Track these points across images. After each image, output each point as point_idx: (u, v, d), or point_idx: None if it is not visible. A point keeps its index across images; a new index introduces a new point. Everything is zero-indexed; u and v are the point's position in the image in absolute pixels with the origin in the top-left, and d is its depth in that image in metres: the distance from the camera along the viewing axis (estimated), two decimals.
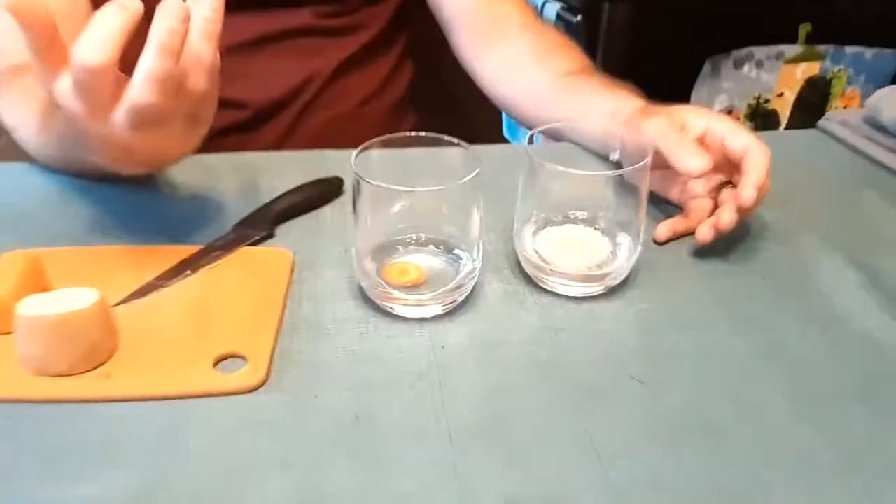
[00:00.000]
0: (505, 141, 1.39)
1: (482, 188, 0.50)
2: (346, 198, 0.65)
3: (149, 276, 0.53)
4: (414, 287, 0.51)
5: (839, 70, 1.78)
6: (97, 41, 0.43)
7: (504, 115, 1.31)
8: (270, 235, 0.59)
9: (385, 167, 0.52)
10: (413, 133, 0.53)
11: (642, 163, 0.50)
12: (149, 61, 0.44)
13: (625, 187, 0.53)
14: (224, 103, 0.53)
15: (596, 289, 0.53)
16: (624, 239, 0.55)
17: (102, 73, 0.43)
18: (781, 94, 1.87)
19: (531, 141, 0.54)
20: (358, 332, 0.50)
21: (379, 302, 0.51)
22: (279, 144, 0.83)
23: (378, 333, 0.50)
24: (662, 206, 0.64)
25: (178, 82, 0.46)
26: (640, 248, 0.53)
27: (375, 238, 0.53)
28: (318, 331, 0.50)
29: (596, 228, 0.56)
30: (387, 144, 0.53)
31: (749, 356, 0.49)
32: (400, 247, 0.54)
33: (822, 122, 0.82)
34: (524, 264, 0.55)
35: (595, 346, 0.49)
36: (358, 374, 0.47)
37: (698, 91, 1.76)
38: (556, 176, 0.50)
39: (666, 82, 0.89)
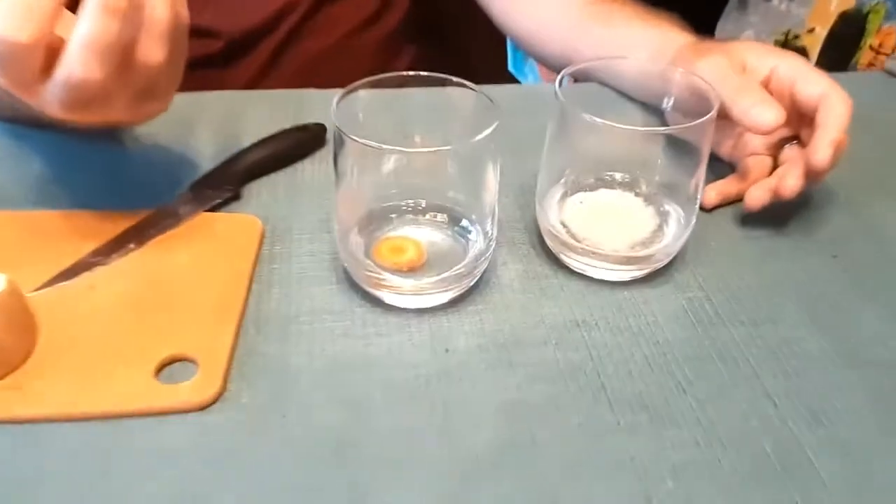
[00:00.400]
0: (510, 77, 1.26)
1: (498, 143, 0.39)
2: (330, 150, 0.53)
3: (82, 251, 0.43)
4: (411, 270, 0.41)
5: (877, 3, 1.63)
6: (24, 10, 0.33)
7: (510, 48, 1.17)
8: (236, 197, 0.49)
9: (376, 114, 0.41)
10: (410, 72, 0.42)
11: (707, 116, 0.39)
12: (86, 25, 0.33)
13: (676, 144, 0.42)
14: (191, 32, 0.43)
15: (637, 272, 0.43)
16: (673, 209, 0.44)
17: (28, 50, 0.33)
18: (812, 30, 1.73)
19: (560, 84, 0.42)
20: (341, 328, 0.40)
21: (367, 288, 0.41)
22: (255, 82, 0.71)
23: (366, 329, 0.40)
24: (710, 162, 0.53)
25: (125, 52, 0.35)
26: (693, 221, 0.42)
27: (362, 205, 0.42)
28: (291, 326, 0.40)
29: (637, 194, 0.45)
30: (378, 86, 0.41)
31: (828, 361, 0.39)
32: (394, 216, 0.43)
33: (889, 63, 0.70)
34: (548, 239, 0.44)
35: (637, 346, 0.39)
36: (339, 384, 0.37)
37: (723, 25, 1.62)
38: (593, 129, 0.39)
39: (689, 15, 0.78)
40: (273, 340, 0.39)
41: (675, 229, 0.43)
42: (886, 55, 1.20)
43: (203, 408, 0.35)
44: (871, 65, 1.20)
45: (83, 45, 0.34)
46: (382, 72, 0.77)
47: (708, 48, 0.51)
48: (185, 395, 0.35)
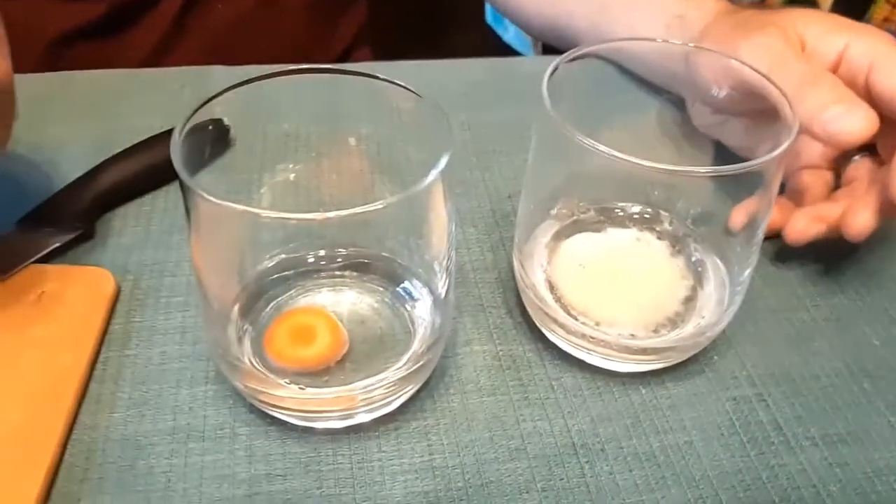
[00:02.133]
0: (488, 30, 1.10)
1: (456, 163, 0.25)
2: (234, 157, 0.39)
3: None
4: (323, 368, 0.27)
5: None
6: None
7: None
8: (86, 236, 0.34)
9: (300, 102, 0.29)
10: (328, 66, 0.28)
11: (780, 149, 0.24)
12: None
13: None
14: None
15: (661, 364, 0.29)
16: (711, 262, 0.30)
17: None
18: None
19: (553, 74, 0.28)
20: (214, 464, 0.26)
21: (255, 403, 0.27)
22: (155, 57, 0.55)
23: (253, 467, 0.26)
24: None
25: None
26: (745, 283, 0.29)
27: (243, 265, 0.28)
28: (138, 461, 0.26)
29: (660, 237, 0.31)
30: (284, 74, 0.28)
31: None
32: (297, 278, 0.29)
33: None
34: (532, 311, 0.30)
35: (665, 485, 0.26)
36: None
37: None
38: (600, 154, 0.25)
39: None
40: (107, 490, 0.25)
41: (717, 296, 0.29)
42: None
43: None
44: (886, 20, 1.06)
45: None
46: (321, 38, 0.62)
47: (752, 20, 0.36)
48: None
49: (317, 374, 0.27)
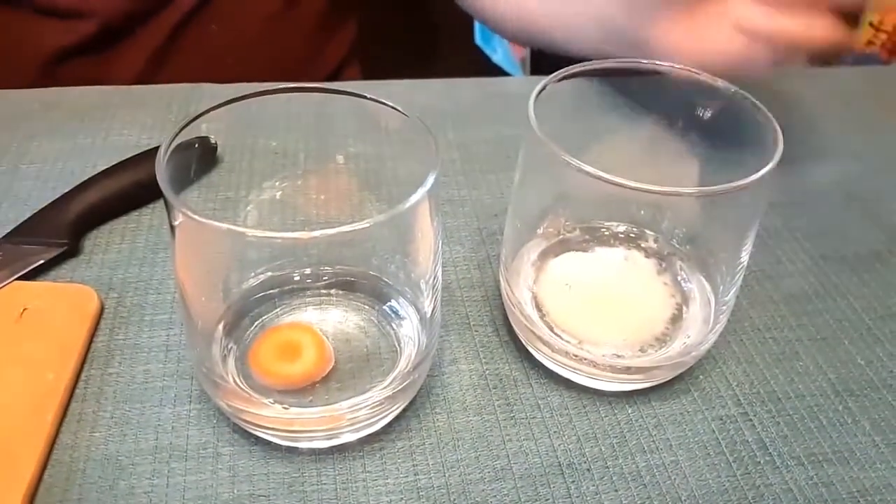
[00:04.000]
0: (477, 51, 1.11)
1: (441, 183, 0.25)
2: (221, 175, 0.39)
3: None
4: (308, 386, 0.27)
5: None
6: None
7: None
8: (71, 253, 0.34)
9: (289, 120, 0.29)
10: (315, 84, 0.28)
11: (763, 171, 0.25)
12: None
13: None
14: (51, 12, 0.29)
15: (647, 383, 0.29)
16: (696, 281, 0.30)
17: None
18: None
19: (539, 94, 0.28)
20: (195, 485, 0.26)
21: (239, 422, 0.27)
22: (148, 75, 0.55)
23: (236, 488, 0.26)
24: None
25: None
26: (730, 303, 0.29)
27: (232, 285, 0.28)
28: (119, 482, 0.25)
29: (647, 255, 0.32)
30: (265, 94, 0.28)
31: None
32: (283, 296, 0.29)
33: None
34: (518, 329, 0.30)
35: (654, 500, 0.26)
36: None
37: None
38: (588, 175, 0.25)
39: None
40: None
41: (702, 315, 0.29)
42: (886, 33, 1.08)
43: None
44: (870, 43, 1.08)
45: None
46: (312, 57, 0.62)
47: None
48: None
49: (301, 394, 0.26)
